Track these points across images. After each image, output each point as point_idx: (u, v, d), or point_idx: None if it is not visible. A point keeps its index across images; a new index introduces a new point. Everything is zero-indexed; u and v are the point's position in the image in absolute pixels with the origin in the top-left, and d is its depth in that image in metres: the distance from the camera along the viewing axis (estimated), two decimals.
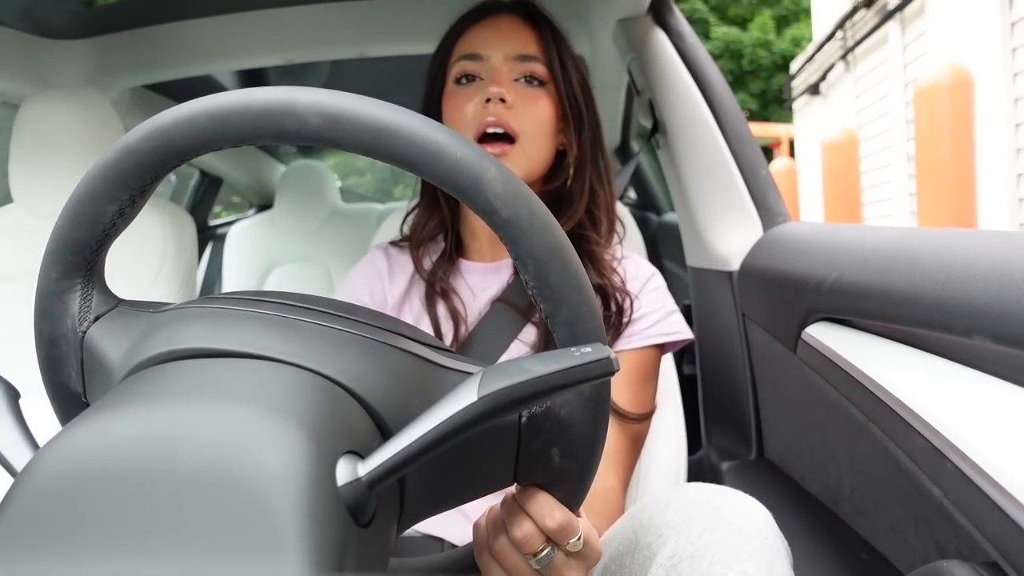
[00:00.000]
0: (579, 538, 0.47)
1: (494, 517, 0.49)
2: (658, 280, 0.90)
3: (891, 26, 5.90)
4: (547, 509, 0.45)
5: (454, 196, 0.40)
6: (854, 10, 6.49)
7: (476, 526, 0.51)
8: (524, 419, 0.43)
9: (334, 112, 0.38)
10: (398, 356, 0.42)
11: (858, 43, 6.61)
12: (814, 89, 8.44)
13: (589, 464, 0.45)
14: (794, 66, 9.54)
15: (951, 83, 4.69)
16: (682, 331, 0.87)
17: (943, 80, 4.73)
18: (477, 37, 0.86)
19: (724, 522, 0.53)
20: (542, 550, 0.46)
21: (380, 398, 0.39)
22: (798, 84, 9.29)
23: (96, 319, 0.45)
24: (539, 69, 0.85)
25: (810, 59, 8.51)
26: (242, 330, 0.40)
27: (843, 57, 7.19)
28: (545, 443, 0.43)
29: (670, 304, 0.89)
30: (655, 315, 0.86)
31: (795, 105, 9.52)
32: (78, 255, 0.44)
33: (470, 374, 0.43)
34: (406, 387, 0.41)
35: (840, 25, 6.93)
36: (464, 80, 0.85)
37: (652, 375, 0.87)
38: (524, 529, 0.46)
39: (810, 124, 8.80)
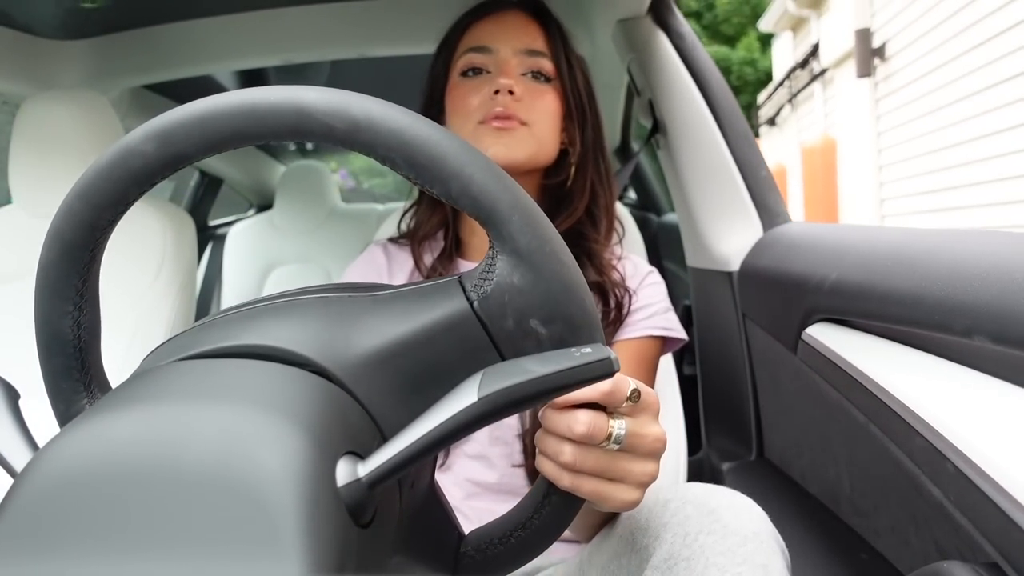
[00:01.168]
0: (633, 389, 0.44)
1: (545, 443, 0.46)
2: (656, 277, 0.91)
3: (816, 85, 7.91)
4: (603, 386, 0.42)
5: (290, 139, 0.38)
6: (794, 68, 8.86)
7: (541, 463, 0.47)
8: (475, 304, 0.39)
9: (163, 129, 0.38)
10: (328, 304, 0.40)
11: (796, 94, 8.93)
12: (771, 121, 10.79)
13: (583, 316, 0.40)
14: (760, 98, 12.03)
15: (822, 146, 7.31)
16: (676, 329, 0.87)
17: (818, 144, 7.47)
18: (484, 31, 0.86)
19: (720, 524, 0.53)
20: (612, 429, 0.44)
21: (328, 352, 0.38)
22: (762, 114, 11.71)
23: None
24: (546, 65, 0.85)
25: (769, 97, 10.85)
26: (179, 347, 0.40)
27: (789, 101, 9.45)
28: (517, 320, 0.40)
29: (666, 302, 0.90)
30: (652, 308, 0.87)
31: (761, 131, 11.75)
32: (68, 379, 0.45)
33: (401, 292, 0.41)
34: (346, 329, 0.39)
35: (787, 76, 9.31)
36: (471, 73, 0.85)
37: (650, 367, 0.87)
38: (583, 421, 0.43)
39: (770, 147, 10.98)
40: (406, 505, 0.41)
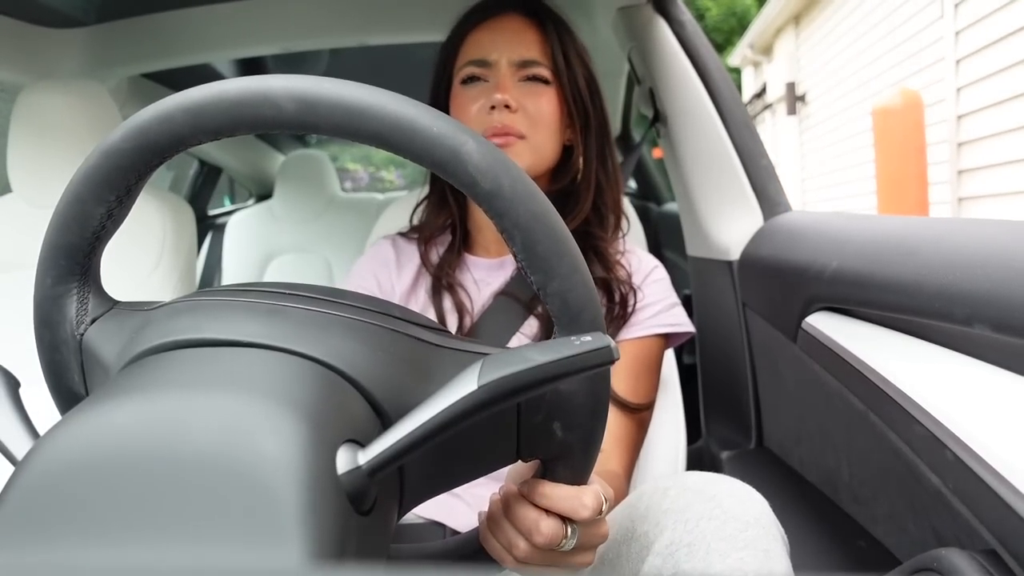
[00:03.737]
0: (606, 503, 0.47)
1: (500, 530, 0.48)
2: (661, 272, 0.91)
3: (767, 114, 9.45)
4: (575, 502, 0.45)
5: (434, 171, 0.39)
6: (752, 97, 10.41)
7: (489, 542, 0.49)
8: None
9: (308, 96, 0.38)
10: (389, 336, 0.42)
11: (753, 117, 11.74)
12: None
13: (592, 436, 0.44)
14: None
15: None
16: (683, 324, 0.88)
17: None
18: (482, 41, 0.87)
19: (721, 510, 0.53)
20: (567, 538, 0.46)
21: (374, 380, 0.39)
22: None
23: (93, 321, 0.45)
24: (543, 72, 0.86)
25: None
26: (229, 319, 0.40)
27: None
28: (546, 416, 0.43)
29: (673, 296, 0.90)
30: (657, 306, 0.87)
31: None
32: (71, 259, 0.44)
33: (464, 352, 0.43)
34: (400, 368, 0.41)
35: (748, 102, 10.81)
36: (470, 81, 0.86)
37: (654, 366, 0.87)
38: (545, 534, 0.45)
39: None
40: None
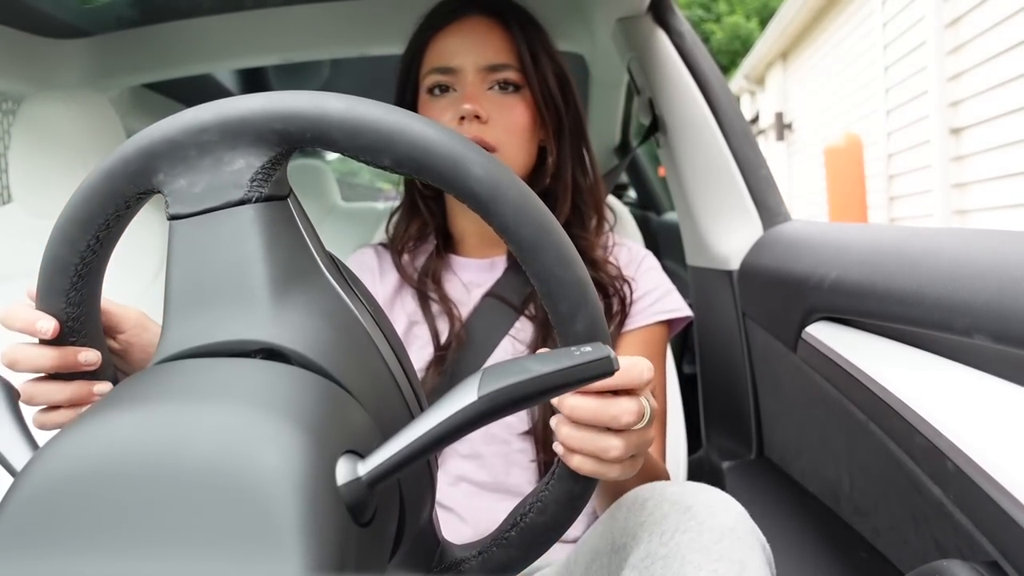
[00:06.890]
0: (649, 410, 0.47)
1: (583, 441, 0.46)
2: (652, 261, 0.90)
3: (760, 139, 10.11)
4: (634, 371, 0.45)
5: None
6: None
7: (576, 460, 0.47)
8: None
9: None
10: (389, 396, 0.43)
11: None
12: None
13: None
14: None
15: None
16: (681, 308, 0.87)
17: None
18: (447, 47, 0.83)
19: (696, 521, 0.53)
20: (646, 409, 0.47)
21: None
22: None
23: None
24: (512, 75, 0.82)
25: None
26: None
27: None
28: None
29: (667, 283, 0.89)
30: (654, 293, 0.86)
31: None
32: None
33: None
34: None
35: None
36: (437, 91, 0.83)
37: (660, 353, 0.87)
38: (633, 411, 0.45)
39: None
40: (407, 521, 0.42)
